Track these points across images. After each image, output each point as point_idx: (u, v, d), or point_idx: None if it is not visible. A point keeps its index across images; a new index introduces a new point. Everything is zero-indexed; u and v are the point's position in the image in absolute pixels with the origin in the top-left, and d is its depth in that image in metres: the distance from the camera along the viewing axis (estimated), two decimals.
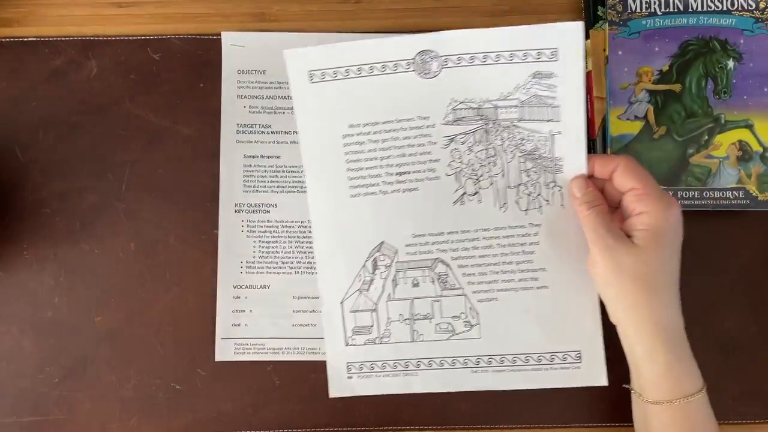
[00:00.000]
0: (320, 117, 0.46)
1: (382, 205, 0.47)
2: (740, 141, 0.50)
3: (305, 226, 0.52)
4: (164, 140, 0.52)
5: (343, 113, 0.46)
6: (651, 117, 0.50)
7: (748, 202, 0.50)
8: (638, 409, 0.45)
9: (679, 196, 0.50)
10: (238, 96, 0.52)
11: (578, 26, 0.43)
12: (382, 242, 0.47)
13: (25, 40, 0.53)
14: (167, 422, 0.51)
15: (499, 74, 0.44)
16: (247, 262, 0.52)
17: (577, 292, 0.46)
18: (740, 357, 0.51)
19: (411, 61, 0.45)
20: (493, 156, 0.46)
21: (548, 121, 0.44)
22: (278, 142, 0.52)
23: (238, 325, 0.51)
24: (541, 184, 0.45)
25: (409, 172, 0.46)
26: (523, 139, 0.45)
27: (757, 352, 0.52)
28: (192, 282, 0.52)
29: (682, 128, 0.50)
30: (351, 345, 0.48)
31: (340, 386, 0.48)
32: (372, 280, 0.47)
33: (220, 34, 0.53)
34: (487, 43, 0.44)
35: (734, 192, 0.50)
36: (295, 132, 0.48)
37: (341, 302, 0.48)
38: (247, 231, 0.52)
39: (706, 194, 0.50)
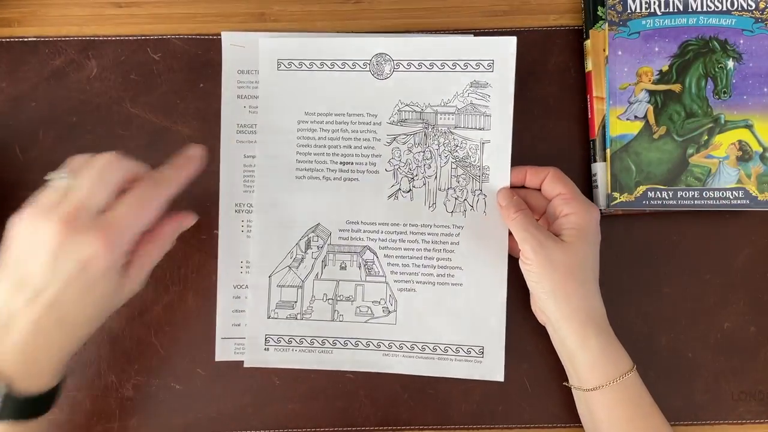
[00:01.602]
0: (281, 102, 0.51)
1: (324, 189, 0.50)
2: (740, 141, 0.50)
3: None
4: (164, 140, 0.52)
5: (302, 101, 0.51)
6: (651, 117, 0.50)
7: (748, 202, 0.50)
8: (581, 404, 0.48)
9: (679, 196, 0.50)
10: (238, 96, 0.52)
11: (512, 40, 0.48)
12: (318, 224, 0.51)
13: (25, 40, 0.53)
14: (167, 422, 0.51)
15: (442, 81, 0.49)
16: (247, 262, 0.51)
17: (488, 292, 0.49)
18: (740, 357, 0.51)
19: (367, 61, 0.50)
20: (429, 159, 0.50)
21: (480, 129, 0.49)
22: None
23: (238, 325, 0.51)
24: (468, 191, 0.50)
25: (352, 163, 0.50)
26: (457, 146, 0.50)
27: (757, 352, 0.52)
28: (192, 282, 0.52)
29: (681, 128, 0.50)
30: (273, 318, 0.50)
31: (256, 357, 0.50)
32: (303, 259, 0.50)
33: (220, 34, 0.53)
34: (434, 50, 0.49)
35: (734, 192, 0.50)
36: None
37: (270, 276, 0.50)
38: (247, 231, 0.52)
39: (706, 194, 0.50)
